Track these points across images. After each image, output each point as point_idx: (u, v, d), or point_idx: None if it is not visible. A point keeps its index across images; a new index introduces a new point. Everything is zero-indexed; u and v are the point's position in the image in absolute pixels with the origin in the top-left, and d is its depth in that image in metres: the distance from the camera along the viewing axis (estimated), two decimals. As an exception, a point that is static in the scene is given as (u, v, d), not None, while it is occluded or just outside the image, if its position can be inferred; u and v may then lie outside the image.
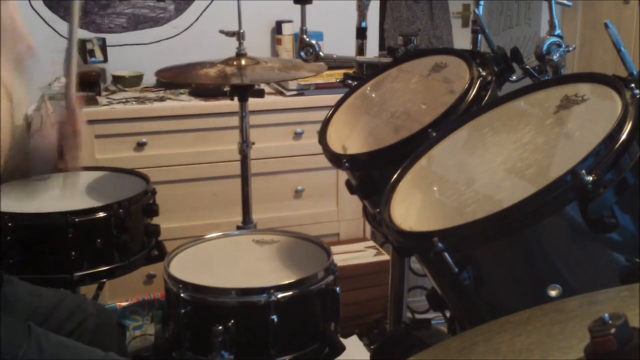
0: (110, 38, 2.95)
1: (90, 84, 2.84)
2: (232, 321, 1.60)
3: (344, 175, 1.67)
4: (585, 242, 1.05)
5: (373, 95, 1.74)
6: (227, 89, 2.31)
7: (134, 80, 2.98)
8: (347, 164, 1.51)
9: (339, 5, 3.14)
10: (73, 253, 1.81)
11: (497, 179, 1.15)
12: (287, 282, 1.65)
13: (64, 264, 1.81)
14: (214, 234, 1.97)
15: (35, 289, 1.61)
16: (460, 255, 1.07)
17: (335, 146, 1.58)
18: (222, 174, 2.77)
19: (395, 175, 1.31)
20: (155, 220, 2.06)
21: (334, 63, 2.23)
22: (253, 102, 2.34)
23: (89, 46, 2.83)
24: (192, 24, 3.13)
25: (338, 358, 1.75)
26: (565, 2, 1.61)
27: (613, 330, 0.60)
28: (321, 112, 1.81)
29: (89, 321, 1.62)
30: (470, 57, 1.56)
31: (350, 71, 2.13)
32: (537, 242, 1.05)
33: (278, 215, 2.84)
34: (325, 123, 1.68)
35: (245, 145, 2.27)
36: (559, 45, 1.48)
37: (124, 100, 2.77)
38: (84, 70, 2.87)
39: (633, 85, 1.12)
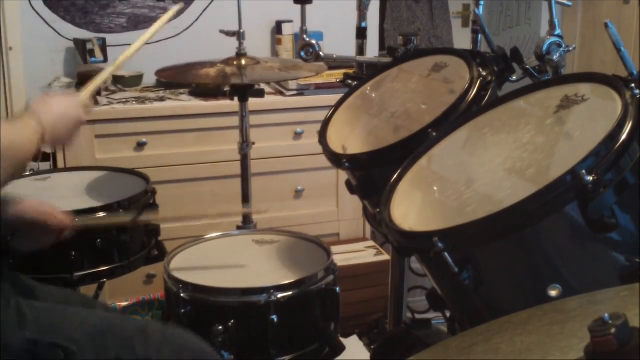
0: (110, 38, 2.95)
1: (91, 84, 2.84)
2: (232, 321, 1.60)
3: (344, 175, 1.67)
4: (586, 242, 1.05)
5: (373, 95, 1.74)
6: (227, 89, 2.31)
7: (134, 80, 2.97)
8: (347, 164, 1.51)
9: (339, 5, 3.13)
10: (73, 253, 1.81)
11: (497, 179, 1.15)
12: (287, 282, 1.65)
13: (64, 264, 1.81)
14: (214, 234, 1.97)
15: (41, 288, 1.61)
16: (460, 255, 1.07)
17: (335, 146, 1.58)
18: (222, 174, 2.76)
19: (395, 175, 1.31)
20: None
21: (334, 63, 2.23)
22: (253, 102, 2.34)
23: (89, 46, 2.83)
24: (192, 24, 3.13)
25: (338, 358, 1.75)
26: (565, 2, 1.61)
27: (613, 330, 0.60)
28: (321, 112, 1.81)
29: None
30: (470, 57, 1.56)
31: (350, 71, 2.13)
32: (537, 242, 1.05)
33: (278, 215, 2.83)
34: (325, 123, 1.68)
35: (245, 145, 2.26)
36: (559, 45, 1.48)
37: (124, 100, 2.77)
38: (84, 70, 2.87)
39: (633, 85, 1.12)
